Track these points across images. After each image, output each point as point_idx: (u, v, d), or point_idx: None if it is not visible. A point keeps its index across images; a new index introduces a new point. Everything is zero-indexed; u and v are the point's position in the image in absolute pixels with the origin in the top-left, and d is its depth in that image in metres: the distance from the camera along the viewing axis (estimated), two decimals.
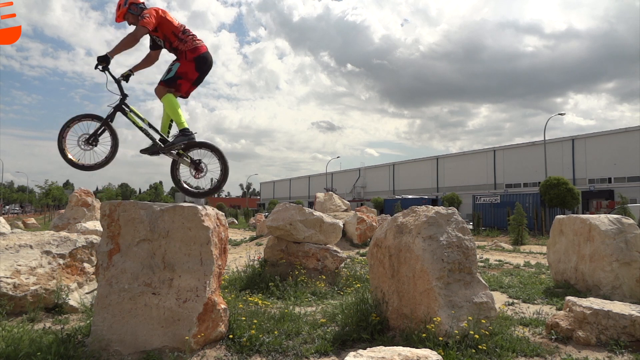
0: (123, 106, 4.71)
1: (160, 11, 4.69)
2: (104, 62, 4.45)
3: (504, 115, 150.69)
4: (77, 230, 11.07)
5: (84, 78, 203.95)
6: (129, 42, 4.52)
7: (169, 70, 4.73)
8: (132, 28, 4.68)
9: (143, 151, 4.75)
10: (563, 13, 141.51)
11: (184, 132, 4.67)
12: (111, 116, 4.68)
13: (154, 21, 4.57)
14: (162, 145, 4.73)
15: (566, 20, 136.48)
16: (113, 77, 4.65)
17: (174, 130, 4.82)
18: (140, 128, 4.73)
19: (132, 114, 4.72)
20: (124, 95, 4.71)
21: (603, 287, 6.52)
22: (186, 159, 4.90)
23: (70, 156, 4.62)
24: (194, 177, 4.93)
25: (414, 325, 4.26)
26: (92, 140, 4.62)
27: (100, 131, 4.66)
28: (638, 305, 4.78)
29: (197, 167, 4.88)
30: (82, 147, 4.61)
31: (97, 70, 4.48)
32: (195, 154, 4.91)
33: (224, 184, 4.89)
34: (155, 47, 4.94)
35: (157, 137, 4.79)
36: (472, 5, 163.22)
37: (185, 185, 5.07)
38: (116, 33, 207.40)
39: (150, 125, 4.79)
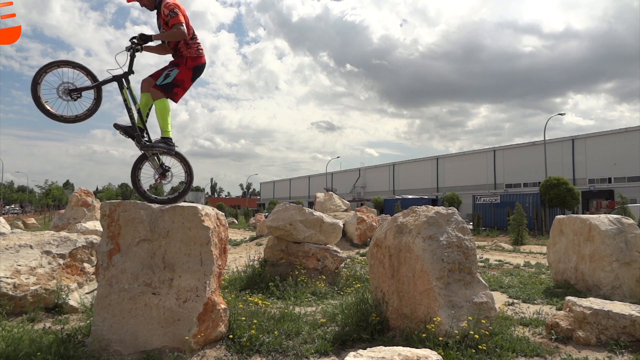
0: (123, 79, 4.52)
1: (181, 6, 4.58)
2: (143, 41, 4.39)
3: (503, 116, 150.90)
4: (77, 230, 11.07)
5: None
6: (176, 35, 4.46)
7: (167, 75, 4.59)
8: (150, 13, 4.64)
9: (118, 127, 4.54)
10: (562, 13, 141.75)
11: (168, 142, 4.61)
12: (107, 81, 4.48)
13: (183, 14, 4.56)
14: (141, 139, 4.59)
15: (565, 20, 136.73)
16: (133, 52, 4.50)
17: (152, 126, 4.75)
18: (129, 108, 4.54)
19: (127, 91, 4.53)
20: (130, 71, 4.54)
21: (603, 287, 6.52)
22: (157, 161, 4.79)
23: (47, 106, 4.22)
24: (155, 180, 4.81)
25: (414, 325, 4.26)
26: (75, 94, 4.29)
27: (89, 89, 4.40)
28: (638, 305, 4.78)
29: (164, 173, 4.78)
30: (61, 95, 4.25)
31: (131, 42, 4.41)
32: (166, 160, 4.82)
33: (184, 197, 4.81)
34: None
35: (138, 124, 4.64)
36: (471, 6, 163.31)
37: (142, 187, 4.83)
38: (115, 33, 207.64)
39: (139, 111, 4.63)
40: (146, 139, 4.65)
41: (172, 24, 4.43)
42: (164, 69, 4.65)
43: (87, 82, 4.40)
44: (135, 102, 4.58)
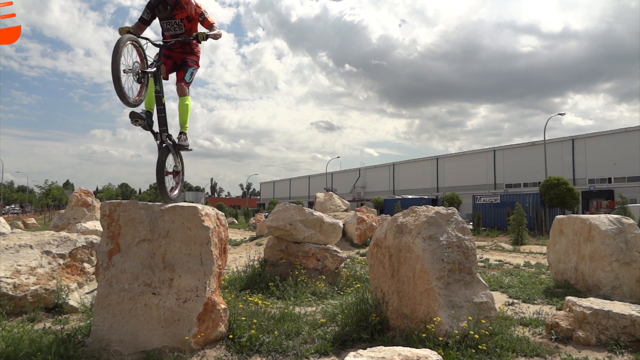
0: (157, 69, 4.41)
1: None
2: (204, 39, 4.51)
3: (502, 116, 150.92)
4: (77, 230, 11.06)
5: (83, 78, 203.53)
6: (220, 35, 4.75)
7: (192, 73, 4.80)
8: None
9: (137, 116, 4.28)
10: (560, 13, 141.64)
11: (187, 137, 4.77)
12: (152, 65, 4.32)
13: None
14: (171, 136, 4.60)
15: (564, 20, 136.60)
16: (164, 45, 4.49)
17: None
18: (161, 102, 4.41)
19: (159, 82, 4.46)
20: (160, 62, 4.44)
21: (603, 287, 6.52)
22: (177, 158, 4.84)
23: (122, 81, 3.80)
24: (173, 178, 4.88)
25: (414, 325, 4.26)
26: (142, 76, 4.10)
27: (151, 73, 4.22)
28: (638, 305, 4.78)
29: (179, 171, 4.89)
30: (134, 78, 4.02)
31: (186, 38, 4.51)
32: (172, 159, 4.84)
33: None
34: (146, 22, 4.67)
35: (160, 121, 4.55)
36: (469, 6, 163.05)
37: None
38: (115, 33, 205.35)
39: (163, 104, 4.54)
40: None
41: (211, 24, 4.67)
42: (187, 67, 4.77)
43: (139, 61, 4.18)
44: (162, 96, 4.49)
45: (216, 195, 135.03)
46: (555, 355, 4.20)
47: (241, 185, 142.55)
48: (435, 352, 2.94)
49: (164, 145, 4.56)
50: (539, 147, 43.87)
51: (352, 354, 2.87)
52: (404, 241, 4.73)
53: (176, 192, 4.83)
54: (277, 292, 6.60)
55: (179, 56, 4.81)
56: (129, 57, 3.97)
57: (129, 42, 3.93)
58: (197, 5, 4.69)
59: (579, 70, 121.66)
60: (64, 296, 5.56)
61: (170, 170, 4.82)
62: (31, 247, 5.81)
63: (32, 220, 30.97)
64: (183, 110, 4.72)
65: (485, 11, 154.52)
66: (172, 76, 4.89)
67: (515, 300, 6.72)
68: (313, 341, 4.41)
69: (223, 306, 4.37)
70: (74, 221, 13.86)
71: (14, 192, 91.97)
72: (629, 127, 42.63)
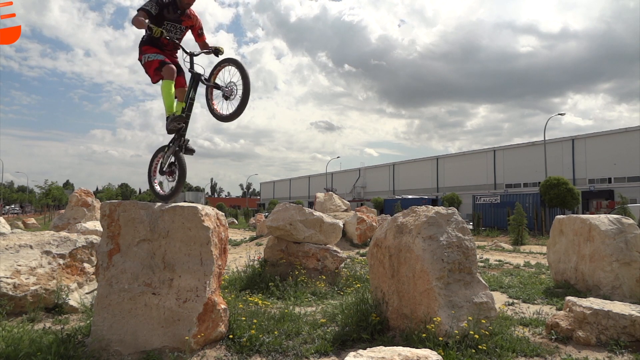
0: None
1: None
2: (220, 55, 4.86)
3: (502, 116, 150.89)
4: (77, 230, 11.06)
5: (82, 78, 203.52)
6: None
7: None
8: None
9: (182, 119, 4.65)
10: (559, 14, 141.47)
11: None
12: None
13: None
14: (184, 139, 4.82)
15: (563, 20, 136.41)
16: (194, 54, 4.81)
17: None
18: (191, 104, 4.73)
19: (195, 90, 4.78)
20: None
21: (603, 287, 6.52)
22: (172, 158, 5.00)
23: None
24: (167, 178, 5.02)
25: (414, 325, 4.26)
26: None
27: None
28: (638, 305, 4.78)
29: (173, 171, 5.03)
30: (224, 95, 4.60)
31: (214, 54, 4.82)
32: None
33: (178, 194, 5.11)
34: (151, 17, 4.64)
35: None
36: (468, 6, 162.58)
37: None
38: (114, 33, 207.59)
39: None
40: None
41: (204, 41, 4.97)
42: (184, 73, 4.92)
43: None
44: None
45: (216, 195, 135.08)
46: (555, 355, 4.20)
47: (241, 185, 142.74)
48: (435, 352, 2.94)
49: (179, 146, 4.78)
50: (539, 147, 43.88)
51: (352, 354, 2.87)
52: (404, 241, 4.73)
53: (172, 191, 4.95)
54: (277, 292, 6.60)
55: (176, 62, 4.90)
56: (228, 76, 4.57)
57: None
58: (200, 20, 4.97)
59: (579, 71, 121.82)
60: (64, 296, 5.56)
61: (167, 170, 4.93)
62: (31, 247, 5.81)
63: (32, 220, 30.96)
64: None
65: (484, 11, 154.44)
66: None
67: (515, 300, 6.73)
68: (313, 341, 4.41)
69: (223, 306, 4.37)
70: (74, 221, 13.86)
71: (14, 192, 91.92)
72: (629, 127, 42.61)
